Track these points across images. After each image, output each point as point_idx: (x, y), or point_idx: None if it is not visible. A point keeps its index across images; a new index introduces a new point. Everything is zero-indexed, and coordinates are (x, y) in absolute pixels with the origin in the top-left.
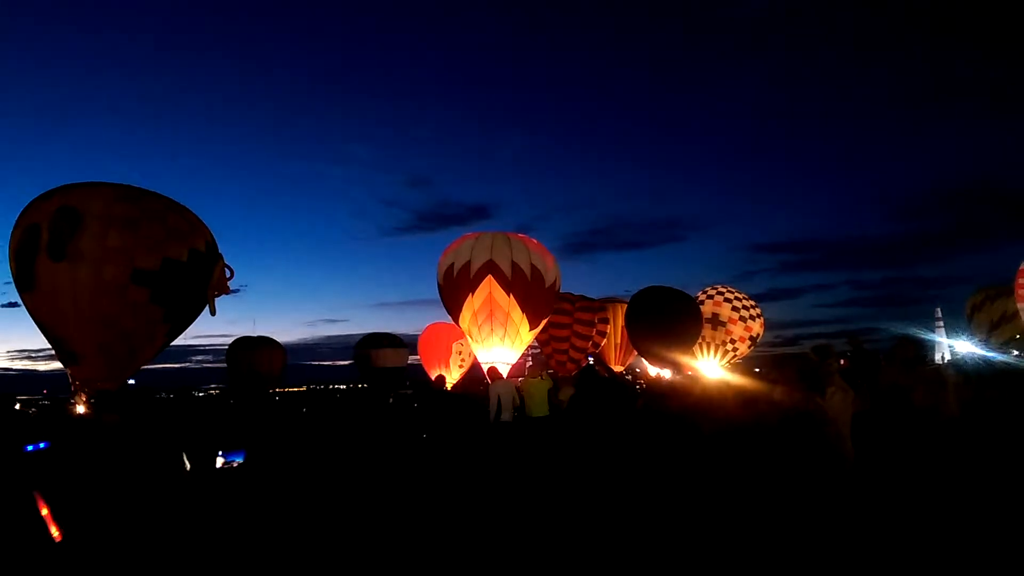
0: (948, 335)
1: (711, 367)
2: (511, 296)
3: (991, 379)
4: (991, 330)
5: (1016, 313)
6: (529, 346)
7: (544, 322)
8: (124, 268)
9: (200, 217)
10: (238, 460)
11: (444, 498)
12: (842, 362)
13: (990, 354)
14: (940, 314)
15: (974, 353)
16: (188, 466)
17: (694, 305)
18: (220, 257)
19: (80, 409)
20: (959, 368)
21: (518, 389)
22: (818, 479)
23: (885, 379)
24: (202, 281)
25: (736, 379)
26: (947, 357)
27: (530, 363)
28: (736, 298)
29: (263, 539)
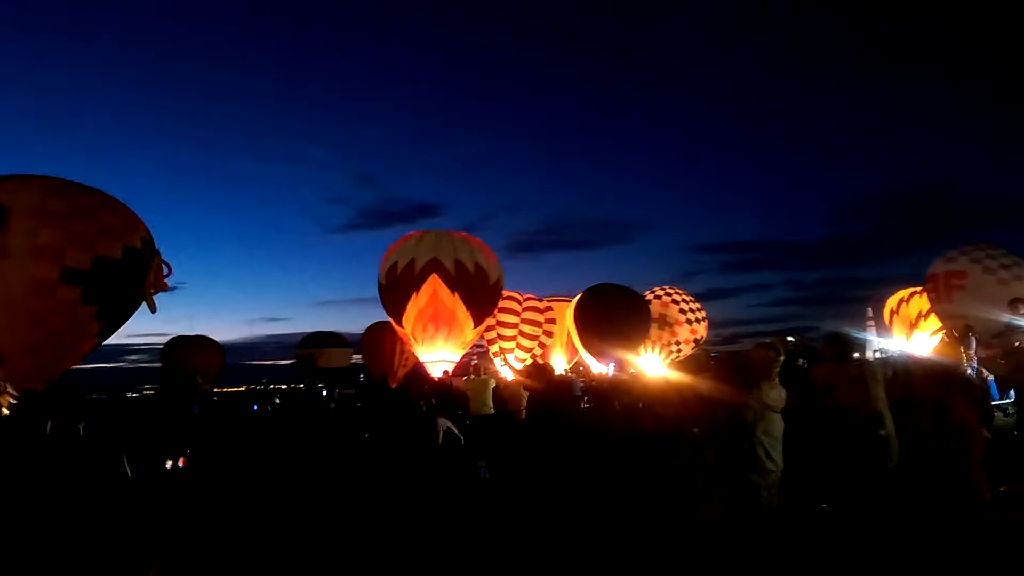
0: (879, 333)
1: (654, 364)
2: (456, 295)
3: (918, 375)
4: (911, 329)
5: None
6: (474, 345)
7: (487, 320)
8: (54, 266)
9: (138, 213)
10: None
11: (387, 498)
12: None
13: (916, 351)
14: (871, 313)
15: (903, 351)
16: (129, 471)
17: (644, 303)
18: (157, 253)
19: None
20: (886, 364)
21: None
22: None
23: (815, 377)
24: (137, 279)
25: (677, 376)
26: (877, 354)
27: (475, 361)
28: (683, 300)
29: (211, 545)
